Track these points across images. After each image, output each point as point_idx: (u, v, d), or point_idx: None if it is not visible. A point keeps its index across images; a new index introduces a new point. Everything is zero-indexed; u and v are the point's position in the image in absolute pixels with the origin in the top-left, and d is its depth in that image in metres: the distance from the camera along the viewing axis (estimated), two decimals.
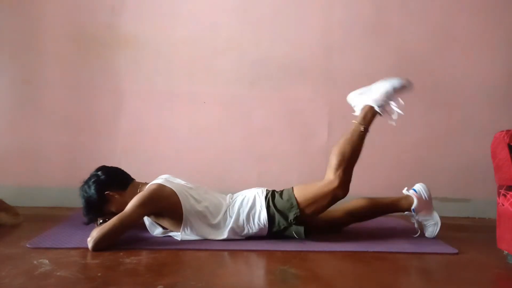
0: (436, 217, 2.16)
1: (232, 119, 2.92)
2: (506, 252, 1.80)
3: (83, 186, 2.01)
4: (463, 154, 2.94)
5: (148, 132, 2.87)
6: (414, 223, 2.19)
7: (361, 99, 2.08)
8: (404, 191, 2.19)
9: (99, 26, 2.84)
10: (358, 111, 2.09)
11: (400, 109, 2.03)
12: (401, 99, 2.05)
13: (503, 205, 1.78)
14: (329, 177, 2.00)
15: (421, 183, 2.21)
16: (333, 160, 2.01)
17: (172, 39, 2.88)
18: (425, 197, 2.16)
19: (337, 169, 1.99)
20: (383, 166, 2.94)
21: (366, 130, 2.04)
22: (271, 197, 2.03)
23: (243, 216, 1.99)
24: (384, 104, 2.04)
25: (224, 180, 2.83)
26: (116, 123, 2.86)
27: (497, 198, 1.82)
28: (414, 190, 2.19)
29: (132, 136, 2.86)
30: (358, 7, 2.95)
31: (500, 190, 1.80)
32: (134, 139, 2.86)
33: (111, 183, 2.00)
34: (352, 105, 2.13)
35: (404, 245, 1.99)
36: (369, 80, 2.13)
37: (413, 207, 2.13)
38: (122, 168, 2.10)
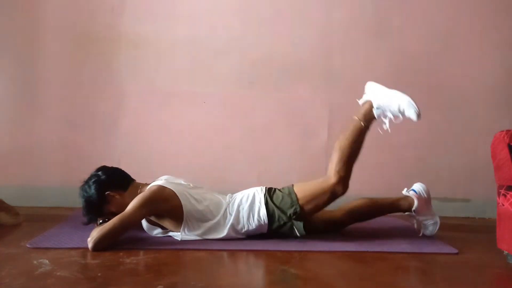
0: (435, 216, 2.16)
1: (232, 119, 2.91)
2: (506, 252, 1.80)
3: (83, 186, 2.00)
4: (463, 154, 2.93)
5: (148, 132, 2.87)
6: (414, 224, 2.19)
7: (372, 94, 2.05)
8: (404, 192, 2.19)
9: (99, 26, 2.83)
10: (361, 101, 2.07)
11: (389, 125, 2.01)
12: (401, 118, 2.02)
13: (503, 205, 1.78)
14: (329, 173, 2.01)
15: (420, 183, 2.21)
16: (334, 156, 2.01)
17: (172, 39, 2.87)
18: (424, 197, 2.16)
19: (336, 165, 1.99)
20: (383, 166, 2.94)
21: (366, 126, 2.03)
22: (269, 193, 2.04)
23: (242, 213, 1.99)
24: (383, 112, 2.02)
25: (224, 180, 2.83)
26: (116, 123, 2.85)
27: (497, 198, 1.82)
28: (414, 190, 2.18)
29: (132, 136, 2.85)
30: (358, 7, 2.94)
31: (500, 190, 1.80)
32: (134, 139, 2.85)
33: (111, 183, 2.00)
34: (365, 92, 2.10)
35: (404, 245, 1.99)
36: (369, 80, 2.12)
37: (413, 208, 2.12)
38: (122, 169, 2.10)
